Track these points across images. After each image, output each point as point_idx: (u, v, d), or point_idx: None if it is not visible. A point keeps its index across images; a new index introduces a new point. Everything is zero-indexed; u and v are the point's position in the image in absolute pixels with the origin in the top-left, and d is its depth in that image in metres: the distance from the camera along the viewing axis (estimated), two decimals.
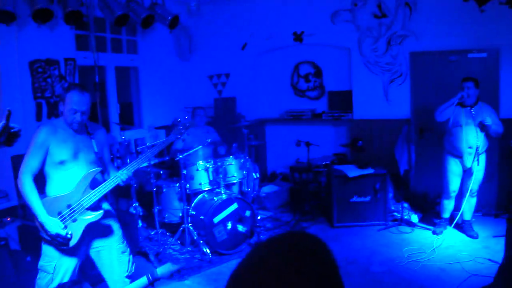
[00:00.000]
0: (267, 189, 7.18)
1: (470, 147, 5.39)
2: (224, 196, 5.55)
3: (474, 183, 5.51)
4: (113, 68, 6.57)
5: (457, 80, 5.95)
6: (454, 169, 5.60)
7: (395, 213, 6.38)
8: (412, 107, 7.06)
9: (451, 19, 6.54)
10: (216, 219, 5.43)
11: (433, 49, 6.78)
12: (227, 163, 5.91)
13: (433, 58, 6.85)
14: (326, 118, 7.66)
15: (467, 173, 5.54)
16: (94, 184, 3.32)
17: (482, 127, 5.35)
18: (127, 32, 6.84)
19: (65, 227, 3.15)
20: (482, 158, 5.49)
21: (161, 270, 3.66)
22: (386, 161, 6.70)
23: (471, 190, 5.51)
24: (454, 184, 5.64)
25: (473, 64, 6.58)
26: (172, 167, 6.30)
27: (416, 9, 6.80)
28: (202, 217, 5.43)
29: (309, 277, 1.03)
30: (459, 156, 5.50)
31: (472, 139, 5.38)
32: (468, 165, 5.45)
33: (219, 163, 5.80)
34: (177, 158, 5.53)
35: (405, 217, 6.23)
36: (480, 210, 6.34)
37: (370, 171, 6.24)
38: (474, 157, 5.38)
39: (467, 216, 5.73)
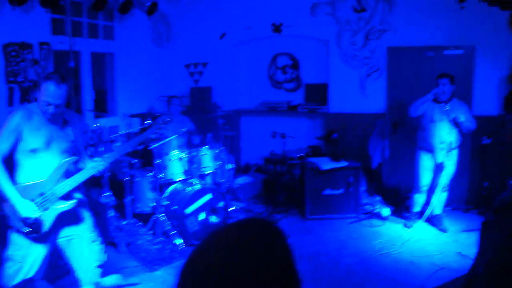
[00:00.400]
0: (241, 180, 7.16)
1: (442, 143, 5.47)
2: (197, 187, 5.51)
3: (445, 178, 5.59)
4: (89, 53, 6.43)
5: (432, 76, 6.02)
6: (426, 164, 5.68)
7: (367, 206, 6.45)
8: (387, 102, 7.12)
9: (429, 16, 6.61)
10: (189, 210, 5.39)
11: (410, 45, 6.84)
12: (202, 153, 5.87)
13: (410, 53, 6.91)
14: (301, 111, 7.68)
15: (438, 168, 5.63)
16: (68, 173, 3.27)
17: (455, 123, 5.44)
18: (104, 17, 6.70)
19: (35, 211, 3.10)
20: (454, 153, 5.57)
21: (108, 280, 3.63)
22: (360, 154, 6.76)
23: (442, 185, 5.61)
24: (425, 178, 5.73)
25: (449, 60, 6.66)
26: (145, 156, 6.23)
27: (395, 4, 6.84)
28: (174, 207, 5.39)
29: (261, 262, 1.05)
30: (431, 151, 5.58)
31: (444, 135, 5.46)
32: (440, 160, 5.53)
33: (193, 153, 5.76)
34: (151, 147, 5.47)
35: (377, 210, 6.31)
36: (450, 204, 6.46)
37: (343, 164, 6.29)
38: (444, 153, 5.47)
39: (438, 210, 5.83)
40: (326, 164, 6.28)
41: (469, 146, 6.45)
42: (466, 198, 6.65)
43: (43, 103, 3.13)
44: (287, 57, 7.97)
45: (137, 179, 5.74)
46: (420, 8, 6.68)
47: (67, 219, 3.37)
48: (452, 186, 5.87)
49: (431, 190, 5.79)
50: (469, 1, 5.59)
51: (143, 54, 7.38)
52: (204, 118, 7.09)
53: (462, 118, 5.37)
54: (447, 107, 5.44)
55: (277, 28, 7.63)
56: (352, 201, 6.28)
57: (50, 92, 3.10)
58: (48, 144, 3.21)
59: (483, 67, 6.47)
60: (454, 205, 6.53)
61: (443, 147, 5.48)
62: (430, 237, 5.62)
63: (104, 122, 6.32)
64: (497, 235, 1.61)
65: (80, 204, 3.42)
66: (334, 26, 7.29)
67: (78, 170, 3.37)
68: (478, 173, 6.50)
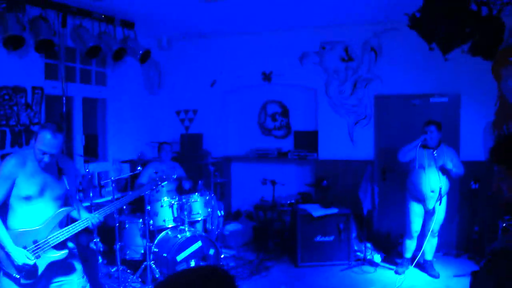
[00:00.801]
0: (231, 227, 7.11)
1: (432, 191, 5.51)
2: (188, 234, 5.46)
3: (436, 223, 5.62)
4: (81, 98, 6.48)
5: (419, 123, 6.16)
6: (416, 210, 5.71)
7: (359, 253, 6.41)
8: (375, 148, 7.21)
9: (415, 65, 6.82)
10: (180, 257, 5.32)
11: (397, 93, 7.02)
12: (192, 200, 5.84)
13: (396, 101, 7.07)
14: (291, 157, 7.73)
15: (428, 214, 5.65)
16: (61, 222, 3.26)
17: (444, 170, 5.51)
18: (97, 64, 6.80)
19: (29, 258, 3.06)
20: (444, 199, 5.61)
21: None
22: (350, 201, 6.77)
23: (432, 231, 5.62)
24: (416, 224, 5.74)
25: (435, 108, 6.83)
26: (136, 202, 6.17)
27: (381, 54, 7.06)
28: (165, 254, 5.32)
29: None
30: (421, 197, 5.62)
31: (434, 182, 5.51)
32: (430, 207, 5.57)
33: (184, 200, 5.74)
34: (142, 193, 5.43)
35: (368, 257, 6.27)
36: (441, 250, 6.47)
37: (334, 210, 6.30)
38: (437, 199, 5.51)
39: (429, 256, 5.82)
40: (317, 211, 6.28)
41: (458, 191, 6.53)
42: (456, 243, 6.66)
43: (38, 151, 3.12)
44: (277, 104, 8.09)
45: (127, 225, 5.67)
46: (405, 57, 6.89)
47: (58, 267, 3.32)
48: (443, 232, 5.89)
49: (422, 236, 5.79)
50: (452, 53, 5.77)
51: (134, 100, 7.45)
52: (195, 165, 7.10)
53: (449, 165, 5.45)
54: (435, 154, 5.53)
55: (267, 77, 7.79)
56: (343, 247, 6.25)
57: (46, 141, 3.09)
58: (42, 191, 3.20)
59: (469, 114, 6.64)
60: (445, 250, 6.54)
61: (433, 195, 5.52)
62: (422, 283, 5.59)
63: (94, 167, 6.30)
64: (489, 283, 1.60)
65: (71, 253, 3.39)
66: (322, 75, 7.47)
67: (71, 219, 3.36)
68: (468, 218, 6.54)
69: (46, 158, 3.13)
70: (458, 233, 6.67)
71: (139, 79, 7.62)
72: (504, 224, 5.49)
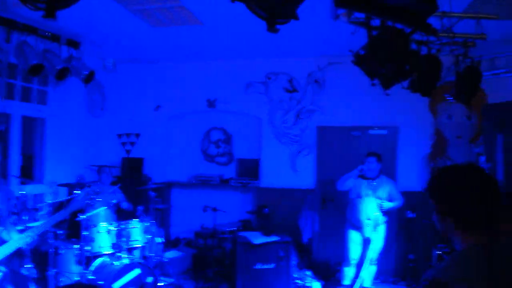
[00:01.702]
0: (170, 254, 6.95)
1: (368, 219, 5.69)
2: (126, 261, 5.29)
3: (373, 252, 5.77)
4: (20, 117, 6.22)
5: (359, 154, 6.39)
6: (354, 238, 5.85)
7: (298, 281, 6.44)
8: (317, 177, 7.37)
9: (356, 98, 7.11)
10: (116, 285, 5.11)
11: (338, 125, 7.26)
12: (131, 226, 5.68)
13: (338, 132, 7.30)
14: (233, 185, 7.74)
15: (367, 241, 5.81)
16: None
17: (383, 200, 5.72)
18: (38, 82, 6.57)
19: None
20: (382, 228, 5.78)
21: None
22: (290, 229, 6.85)
23: (370, 259, 5.77)
24: (354, 252, 5.87)
25: (374, 139, 7.11)
26: (72, 227, 5.93)
27: (324, 86, 7.31)
28: (101, 282, 5.10)
29: None
30: (359, 226, 5.78)
31: (371, 211, 5.69)
32: (367, 234, 5.73)
33: (122, 226, 5.58)
34: (78, 218, 5.24)
35: (308, 284, 6.32)
36: (379, 277, 6.64)
37: (274, 238, 6.32)
38: (371, 228, 5.68)
39: (367, 283, 5.95)
40: (257, 239, 6.28)
41: (395, 220, 6.77)
42: (394, 270, 6.86)
43: None
44: (221, 131, 8.13)
45: (62, 251, 5.41)
46: (347, 90, 7.17)
47: None
48: (381, 259, 6.05)
49: (360, 263, 5.92)
50: (393, 88, 6.07)
51: (76, 122, 7.23)
52: (135, 190, 6.94)
53: (386, 206, 5.70)
54: (374, 183, 5.73)
55: (211, 104, 7.83)
56: (283, 275, 6.25)
57: None
58: None
59: (406, 146, 6.99)
60: (382, 277, 6.71)
61: (370, 223, 5.69)
62: None
63: (29, 189, 6.01)
64: None
65: (4, 277, 3.20)
66: (267, 104, 7.61)
67: (2, 241, 3.18)
68: (405, 246, 6.77)
69: None
70: (396, 260, 6.89)
71: (82, 100, 7.43)
72: (439, 252, 5.74)
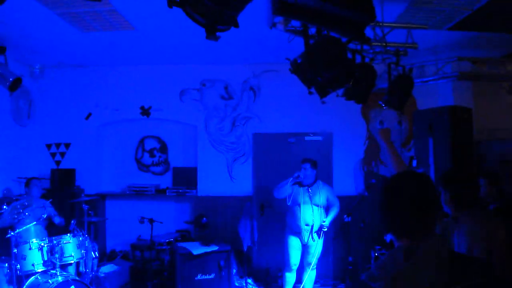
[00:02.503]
0: (106, 268, 6.67)
1: (307, 225, 5.76)
2: (60, 279, 5.02)
3: (313, 256, 5.85)
4: None
5: (295, 160, 6.45)
6: (294, 243, 5.90)
7: None
8: (254, 184, 7.38)
9: (292, 105, 7.22)
10: None
11: (275, 131, 7.32)
12: (64, 242, 5.40)
13: (274, 139, 7.36)
14: (170, 194, 7.58)
15: (306, 247, 5.88)
16: None
17: (320, 206, 5.81)
18: None
19: None
20: (319, 233, 5.86)
21: None
22: (230, 237, 6.81)
23: (309, 264, 5.84)
24: (294, 257, 5.92)
25: (309, 145, 7.23)
26: (1, 245, 5.55)
27: (260, 94, 7.35)
28: None
29: None
30: (298, 232, 5.84)
31: (308, 217, 5.77)
32: (305, 240, 5.79)
33: (55, 242, 5.29)
34: (7, 235, 4.90)
35: None
36: (319, 281, 6.75)
37: (214, 248, 6.26)
38: (309, 234, 5.75)
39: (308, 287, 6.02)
40: (197, 249, 6.20)
41: (333, 225, 6.89)
42: (333, 273, 7.00)
43: None
44: (155, 140, 7.94)
45: None
46: (283, 98, 7.27)
47: None
48: (320, 263, 6.14)
49: (301, 268, 5.98)
50: (328, 96, 6.24)
51: (0, 131, 6.77)
52: (67, 203, 6.60)
53: (321, 201, 5.80)
54: (310, 190, 5.81)
55: (145, 111, 7.64)
56: (224, 285, 6.20)
57: None
58: None
59: (340, 151, 7.15)
60: (322, 281, 6.85)
61: (307, 229, 5.76)
62: None
63: None
64: None
65: None
66: (202, 111, 7.53)
67: None
68: (343, 249, 6.92)
69: None
70: (334, 264, 7.03)
71: (7, 108, 6.97)
72: (376, 254, 5.90)
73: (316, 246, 5.88)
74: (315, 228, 5.80)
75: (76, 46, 6.39)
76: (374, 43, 5.01)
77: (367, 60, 4.85)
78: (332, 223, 6.12)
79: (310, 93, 4.81)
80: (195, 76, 7.50)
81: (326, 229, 5.84)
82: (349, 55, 4.62)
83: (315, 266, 5.98)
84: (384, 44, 4.95)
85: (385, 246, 5.95)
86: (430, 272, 1.65)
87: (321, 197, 5.85)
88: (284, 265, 6.05)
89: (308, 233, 5.80)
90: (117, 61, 7.32)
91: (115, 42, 6.20)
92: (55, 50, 6.57)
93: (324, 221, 5.81)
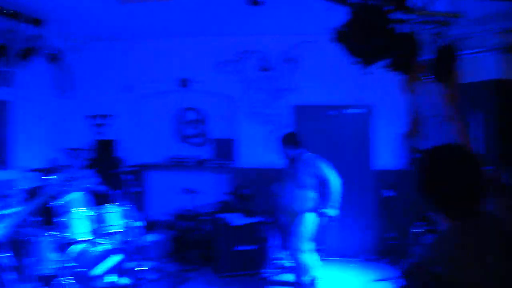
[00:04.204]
0: (149, 238, 6.81)
1: (285, 205, 5.48)
2: (105, 247, 5.17)
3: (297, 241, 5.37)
4: None
5: (335, 132, 6.38)
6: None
7: (280, 261, 6.46)
8: None
9: (331, 77, 7.07)
10: (97, 271, 5.00)
11: (314, 104, 7.22)
12: (109, 211, 5.54)
13: (313, 111, 7.28)
14: (209, 166, 7.63)
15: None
16: None
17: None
18: (1, 63, 6.22)
19: None
20: (306, 216, 5.34)
21: None
22: (271, 209, 6.80)
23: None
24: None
25: (349, 118, 7.12)
26: (48, 214, 5.72)
27: (299, 65, 7.24)
28: (81, 269, 4.97)
29: None
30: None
31: (287, 197, 5.44)
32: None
33: (100, 211, 5.42)
34: (54, 204, 5.04)
35: (288, 265, 6.33)
36: (360, 256, 6.74)
37: (255, 219, 6.30)
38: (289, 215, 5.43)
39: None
40: (238, 220, 6.25)
41: (375, 199, 6.85)
42: (375, 249, 6.95)
43: None
44: (194, 112, 7.97)
45: (38, 239, 5.21)
46: (322, 69, 7.12)
47: None
48: (362, 237, 6.11)
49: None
50: (370, 68, 6.09)
51: (44, 104, 6.91)
52: (111, 173, 6.73)
53: (300, 177, 5.30)
54: (291, 169, 5.45)
55: (184, 83, 7.64)
56: (264, 256, 6.26)
57: None
58: None
59: (382, 124, 7.00)
60: (364, 256, 6.80)
61: (287, 210, 5.43)
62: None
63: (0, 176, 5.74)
64: None
65: None
66: (240, 83, 7.49)
67: None
68: (384, 224, 6.85)
69: None
70: (376, 239, 6.97)
71: (50, 81, 7.09)
72: (416, 230, 5.82)
73: (300, 230, 5.33)
74: (297, 209, 5.32)
75: (115, 19, 6.40)
76: (418, 12, 4.83)
77: (410, 30, 4.68)
78: (373, 198, 6.00)
79: (354, 63, 4.71)
80: (233, 48, 7.44)
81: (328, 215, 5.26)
82: (392, 25, 4.48)
83: (300, 253, 5.33)
84: (428, 13, 4.76)
85: (426, 222, 5.86)
86: (491, 250, 1.58)
87: (302, 174, 5.34)
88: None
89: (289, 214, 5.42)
90: (156, 33, 7.31)
91: (154, 14, 6.17)
92: (94, 22, 6.60)
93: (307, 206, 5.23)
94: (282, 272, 6.21)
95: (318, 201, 5.28)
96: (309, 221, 5.28)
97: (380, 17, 4.21)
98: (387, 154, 6.94)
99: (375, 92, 6.95)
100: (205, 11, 6.09)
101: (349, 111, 7.17)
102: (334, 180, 5.22)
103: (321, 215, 5.25)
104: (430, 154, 1.77)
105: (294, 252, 5.35)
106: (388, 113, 6.98)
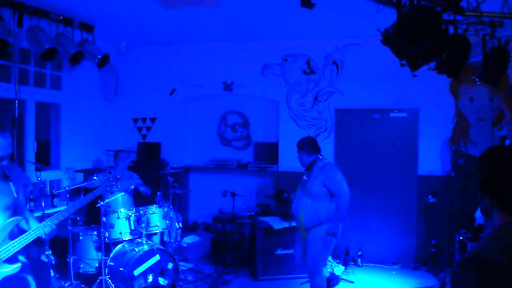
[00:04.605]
0: (188, 239, 6.90)
1: (295, 218, 4.93)
2: (145, 247, 5.25)
3: (309, 261, 4.81)
4: (34, 103, 6.14)
5: (379, 136, 6.20)
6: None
7: None
8: (335, 161, 7.22)
9: (376, 80, 6.90)
10: (137, 271, 5.10)
11: (358, 107, 7.08)
12: (150, 212, 5.62)
13: (357, 115, 7.13)
14: (251, 169, 7.63)
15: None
16: (11, 234, 2.98)
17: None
18: (52, 67, 6.47)
19: None
20: (315, 231, 4.72)
21: None
22: None
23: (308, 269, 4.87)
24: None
25: (394, 122, 6.93)
26: (91, 214, 5.89)
27: (343, 68, 7.12)
28: (121, 268, 5.08)
29: None
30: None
31: (297, 208, 4.84)
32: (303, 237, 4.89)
33: (141, 212, 5.52)
34: (97, 205, 5.17)
35: (329, 269, 6.23)
36: (400, 262, 6.55)
37: (294, 223, 6.22)
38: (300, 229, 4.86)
39: None
40: (278, 224, 6.21)
41: (415, 205, 6.64)
42: (414, 255, 6.73)
43: None
44: (237, 115, 8.00)
45: (81, 238, 5.38)
46: (367, 72, 6.97)
47: (10, 283, 3.04)
48: (401, 244, 5.93)
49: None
50: (417, 70, 5.92)
51: (90, 106, 7.15)
52: (153, 175, 6.86)
53: (310, 187, 4.69)
54: (306, 176, 4.88)
55: (228, 87, 7.68)
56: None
57: (2, 145, 2.86)
58: None
59: (427, 129, 6.77)
60: (403, 263, 6.61)
61: (299, 224, 4.83)
62: None
63: (46, 176, 5.95)
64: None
65: (24, 267, 3.12)
66: (284, 87, 7.44)
67: (21, 230, 3.09)
68: (425, 231, 6.63)
69: (4, 162, 2.91)
70: (416, 246, 6.75)
71: (96, 84, 7.33)
72: (461, 238, 5.60)
73: (309, 248, 4.72)
74: (304, 223, 4.69)
75: (160, 23, 6.51)
76: (468, 13, 4.63)
77: (460, 31, 4.50)
78: (415, 203, 5.78)
79: (402, 65, 4.54)
80: (277, 51, 7.41)
81: (331, 233, 4.65)
82: (443, 26, 4.32)
83: (312, 275, 4.74)
84: (479, 14, 4.56)
85: (471, 230, 5.62)
86: None
87: (312, 182, 4.72)
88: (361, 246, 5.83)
89: (301, 228, 4.78)
90: (200, 37, 7.38)
91: (199, 18, 6.23)
92: (140, 27, 6.74)
93: (318, 220, 4.61)
94: None
95: (330, 215, 4.67)
96: (320, 239, 4.65)
97: (433, 18, 4.07)
98: (432, 159, 6.70)
99: (422, 95, 6.75)
100: (250, 16, 6.10)
101: (394, 114, 6.98)
102: (345, 194, 4.66)
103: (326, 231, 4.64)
104: (493, 153, 1.84)
105: (309, 273, 4.80)
106: (435, 117, 6.75)
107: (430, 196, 6.42)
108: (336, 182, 4.67)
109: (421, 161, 6.75)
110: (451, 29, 4.39)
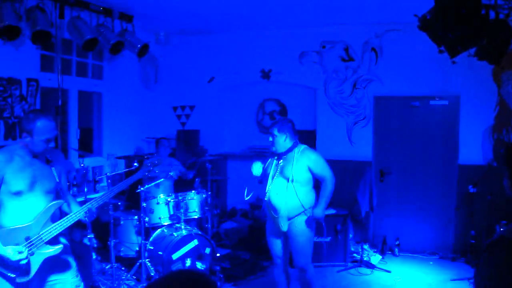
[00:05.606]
0: (226, 225, 7.02)
1: (273, 207, 4.40)
2: (184, 232, 5.37)
3: (295, 253, 4.48)
4: (76, 92, 6.37)
5: (419, 124, 6.06)
6: (270, 228, 4.57)
7: (355, 254, 6.36)
8: (374, 149, 7.15)
9: (415, 66, 6.75)
10: (175, 256, 5.23)
11: (397, 95, 6.95)
12: (189, 198, 5.75)
13: (396, 103, 7.01)
14: None
15: (285, 236, 4.50)
16: (53, 216, 3.13)
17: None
18: (93, 57, 6.68)
19: (21, 252, 2.91)
20: (299, 220, 4.34)
21: None
22: (348, 202, 6.69)
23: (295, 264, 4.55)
24: (273, 247, 4.55)
25: (434, 110, 6.78)
26: (131, 199, 6.07)
27: (382, 55, 6.99)
28: (160, 252, 5.23)
29: None
30: (268, 214, 4.59)
31: (274, 196, 4.37)
32: (282, 227, 4.34)
33: (180, 197, 5.64)
34: (137, 190, 5.33)
35: (365, 258, 6.21)
36: (438, 253, 6.44)
37: (331, 211, 6.22)
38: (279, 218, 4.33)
39: None
40: None
41: (455, 195, 6.50)
42: (452, 246, 6.60)
43: (42, 142, 3.02)
44: (275, 103, 8.01)
45: (122, 222, 5.57)
46: (406, 59, 6.82)
47: (52, 264, 3.19)
48: (439, 235, 5.82)
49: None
50: (458, 57, 5.75)
51: (131, 95, 7.34)
52: (192, 162, 7.00)
53: (291, 172, 4.24)
54: (282, 161, 4.39)
55: (265, 75, 7.70)
56: (340, 248, 6.19)
57: (48, 128, 3.02)
58: (32, 185, 3.07)
59: (468, 117, 6.57)
60: (441, 253, 6.50)
61: (277, 212, 4.31)
62: (419, 287, 5.54)
63: (88, 162, 6.18)
64: (488, 271, 1.65)
65: (65, 249, 3.27)
66: (322, 74, 7.39)
67: (63, 213, 3.23)
68: (465, 222, 6.49)
69: (51, 144, 3.10)
70: (455, 236, 6.62)
71: (136, 73, 7.51)
72: (501, 229, 5.45)
73: (295, 241, 4.35)
74: (284, 210, 4.27)
75: (199, 12, 6.57)
76: None
77: (502, 16, 4.34)
78: (455, 193, 5.66)
79: (441, 51, 4.44)
80: (314, 38, 7.35)
81: (315, 217, 4.31)
82: (482, 11, 4.18)
83: (305, 268, 4.43)
84: None
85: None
86: None
87: (294, 167, 4.27)
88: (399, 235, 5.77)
89: (278, 217, 4.29)
90: (238, 26, 7.41)
91: (236, 6, 6.26)
92: (178, 16, 6.82)
93: (302, 207, 4.27)
94: (356, 266, 6.10)
95: (312, 202, 4.41)
96: (306, 229, 4.34)
97: (472, 2, 3.95)
98: (473, 148, 6.51)
99: (463, 82, 6.54)
100: (287, 2, 6.07)
101: (435, 102, 6.82)
102: (332, 177, 4.45)
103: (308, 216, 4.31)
104: None
105: (298, 270, 4.51)
106: (476, 104, 6.53)
107: (470, 186, 6.26)
108: (322, 166, 4.43)
109: (461, 150, 6.57)
110: (492, 14, 4.25)
